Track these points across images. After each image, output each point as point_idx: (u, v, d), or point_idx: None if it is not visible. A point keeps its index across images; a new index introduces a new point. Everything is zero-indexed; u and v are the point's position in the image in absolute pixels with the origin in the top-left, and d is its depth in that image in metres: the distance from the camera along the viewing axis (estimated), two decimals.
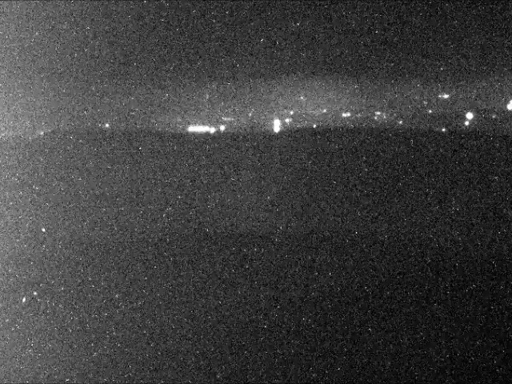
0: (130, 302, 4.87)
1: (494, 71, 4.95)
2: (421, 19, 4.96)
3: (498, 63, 4.94)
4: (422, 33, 4.96)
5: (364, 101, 4.96)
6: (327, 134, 4.92)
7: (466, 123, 4.92)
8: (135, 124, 4.98)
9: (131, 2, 5.02)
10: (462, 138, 4.90)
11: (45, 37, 5.02)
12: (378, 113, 4.94)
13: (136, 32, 5.01)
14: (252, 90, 4.98)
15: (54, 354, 4.83)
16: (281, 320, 4.85)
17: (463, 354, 4.81)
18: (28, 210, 4.94)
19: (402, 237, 4.87)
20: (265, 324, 4.85)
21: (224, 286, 4.88)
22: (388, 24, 4.97)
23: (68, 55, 5.01)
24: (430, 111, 4.97)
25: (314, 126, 4.94)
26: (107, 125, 4.99)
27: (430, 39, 4.96)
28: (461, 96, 4.95)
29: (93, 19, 5.02)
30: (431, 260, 4.86)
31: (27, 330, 4.86)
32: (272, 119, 4.96)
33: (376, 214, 4.88)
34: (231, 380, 4.83)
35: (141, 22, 5.01)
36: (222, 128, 4.97)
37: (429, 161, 4.91)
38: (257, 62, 4.98)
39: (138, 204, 4.93)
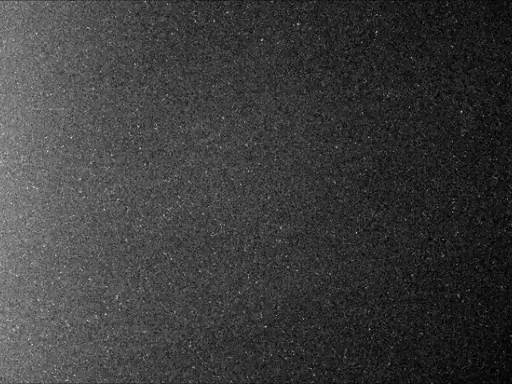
0: (130, 302, 4.87)
1: (494, 70, 4.95)
2: (421, 19, 4.96)
3: (498, 62, 4.94)
4: (422, 32, 4.96)
5: (364, 101, 4.96)
6: (327, 134, 4.92)
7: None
8: (135, 124, 4.98)
9: (131, 2, 5.02)
10: (462, 137, 4.90)
11: (43, 36, 5.02)
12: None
13: (136, 32, 5.01)
14: (252, 89, 4.98)
15: (54, 354, 4.83)
16: (281, 320, 4.85)
17: (463, 354, 4.80)
18: (27, 210, 4.94)
19: (402, 236, 4.87)
20: (265, 324, 4.85)
21: (224, 285, 4.88)
22: (388, 24, 4.97)
23: (67, 55, 5.01)
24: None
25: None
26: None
27: (430, 38, 4.96)
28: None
29: (93, 19, 5.02)
30: (431, 260, 4.86)
31: (27, 330, 4.86)
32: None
33: (376, 213, 4.88)
34: (231, 380, 4.83)
35: (141, 22, 5.01)
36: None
37: (429, 160, 4.91)
38: (257, 62, 4.98)
39: (137, 204, 4.93)
